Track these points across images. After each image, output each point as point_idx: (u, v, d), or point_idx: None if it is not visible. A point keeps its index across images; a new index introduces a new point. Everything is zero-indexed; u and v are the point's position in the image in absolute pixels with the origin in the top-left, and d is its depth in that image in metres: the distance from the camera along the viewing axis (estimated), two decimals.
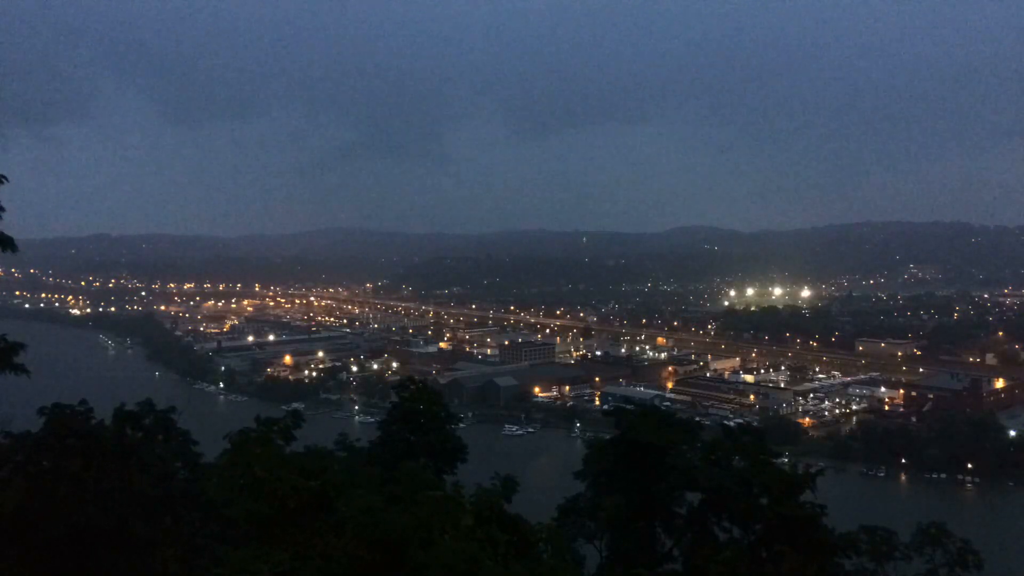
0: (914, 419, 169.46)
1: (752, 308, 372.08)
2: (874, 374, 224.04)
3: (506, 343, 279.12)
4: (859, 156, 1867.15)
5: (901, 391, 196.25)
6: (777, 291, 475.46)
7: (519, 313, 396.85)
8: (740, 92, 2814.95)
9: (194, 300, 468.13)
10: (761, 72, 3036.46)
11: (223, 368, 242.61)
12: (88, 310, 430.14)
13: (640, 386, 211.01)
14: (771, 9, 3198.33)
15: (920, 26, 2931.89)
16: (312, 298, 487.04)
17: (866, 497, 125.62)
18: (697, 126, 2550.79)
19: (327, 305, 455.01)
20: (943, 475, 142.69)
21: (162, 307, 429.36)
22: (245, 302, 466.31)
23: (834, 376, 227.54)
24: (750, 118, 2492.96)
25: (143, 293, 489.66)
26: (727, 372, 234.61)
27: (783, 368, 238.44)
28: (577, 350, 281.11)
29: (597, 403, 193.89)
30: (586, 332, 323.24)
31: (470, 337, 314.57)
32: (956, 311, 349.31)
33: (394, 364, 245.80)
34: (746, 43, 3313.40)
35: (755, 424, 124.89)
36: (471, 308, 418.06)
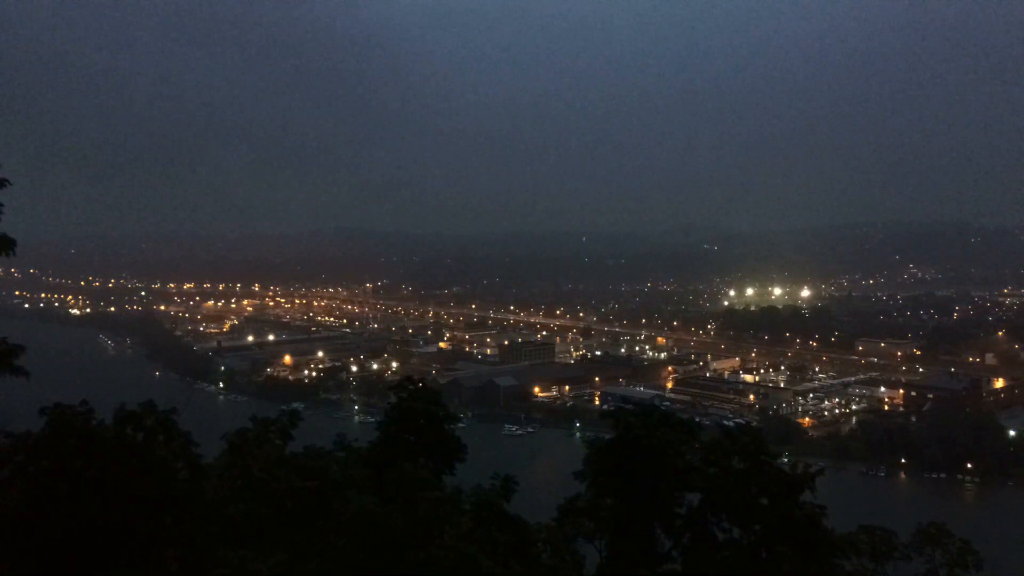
0: (914, 419, 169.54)
1: (752, 308, 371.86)
2: (874, 374, 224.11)
3: (506, 343, 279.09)
4: (859, 156, 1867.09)
5: (901, 391, 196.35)
6: (777, 291, 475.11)
7: (519, 313, 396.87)
8: (748, 94, 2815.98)
9: (194, 300, 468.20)
10: (762, 73, 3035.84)
11: (223, 368, 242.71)
12: (88, 310, 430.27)
13: (640, 386, 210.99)
14: (766, 8, 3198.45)
15: (919, 25, 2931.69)
16: (312, 298, 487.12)
17: (866, 497, 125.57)
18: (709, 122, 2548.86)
19: (327, 305, 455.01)
20: (943, 475, 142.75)
21: (162, 307, 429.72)
22: (245, 302, 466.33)
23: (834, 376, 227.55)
24: (746, 117, 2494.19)
25: (143, 293, 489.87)
26: (727, 372, 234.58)
27: (783, 368, 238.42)
28: (577, 350, 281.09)
29: (597, 403, 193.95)
30: (586, 332, 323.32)
31: (470, 337, 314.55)
32: (956, 311, 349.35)
33: (394, 364, 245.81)
34: (742, 42, 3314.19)
35: (755, 424, 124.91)
36: (471, 308, 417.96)
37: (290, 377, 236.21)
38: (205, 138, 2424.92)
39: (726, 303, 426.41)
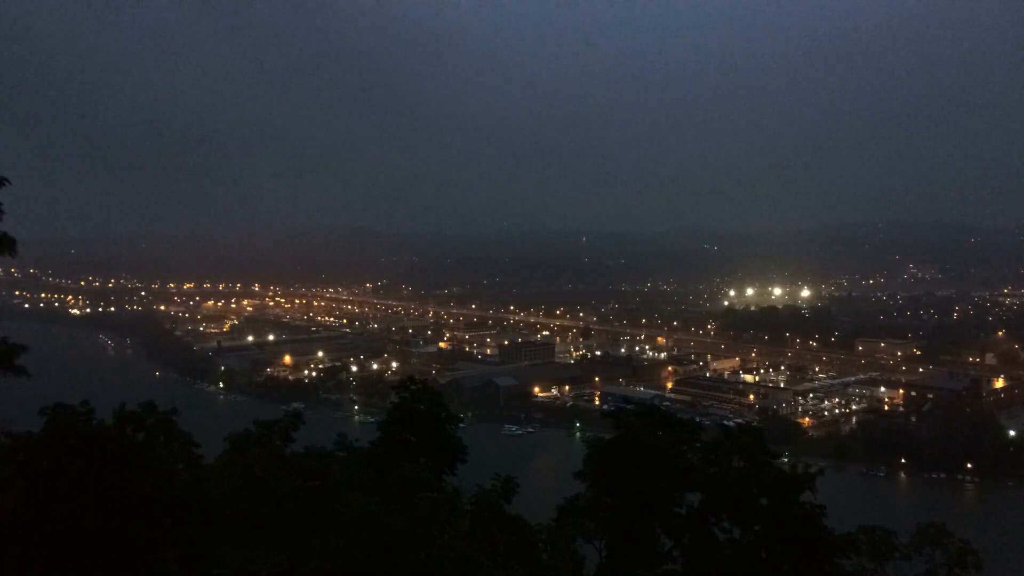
0: (914, 419, 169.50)
1: (752, 308, 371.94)
2: (874, 374, 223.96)
3: (506, 343, 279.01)
4: (859, 156, 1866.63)
5: (901, 391, 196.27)
6: (777, 291, 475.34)
7: (519, 313, 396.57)
8: (748, 94, 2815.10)
9: (194, 300, 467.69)
10: (761, 73, 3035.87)
11: (223, 368, 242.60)
12: (88, 310, 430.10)
13: (640, 386, 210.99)
14: (764, 8, 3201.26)
15: (919, 25, 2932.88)
16: (312, 298, 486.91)
17: (866, 497, 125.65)
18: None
19: (327, 305, 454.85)
20: (943, 475, 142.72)
21: (162, 307, 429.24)
22: (245, 302, 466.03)
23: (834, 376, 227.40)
24: (746, 117, 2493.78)
25: (143, 293, 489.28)
26: (727, 372, 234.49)
27: (783, 368, 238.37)
28: (577, 350, 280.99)
29: (597, 403, 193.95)
30: (586, 332, 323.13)
31: (470, 337, 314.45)
32: (956, 311, 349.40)
33: (394, 364, 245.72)
34: (742, 42, 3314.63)
35: (755, 424, 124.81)
36: (471, 308, 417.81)
37: (290, 377, 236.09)
38: (206, 138, 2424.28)
39: (726, 303, 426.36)
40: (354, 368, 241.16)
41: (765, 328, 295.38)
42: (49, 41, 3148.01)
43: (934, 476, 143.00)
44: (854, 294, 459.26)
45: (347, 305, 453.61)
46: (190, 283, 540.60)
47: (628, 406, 33.39)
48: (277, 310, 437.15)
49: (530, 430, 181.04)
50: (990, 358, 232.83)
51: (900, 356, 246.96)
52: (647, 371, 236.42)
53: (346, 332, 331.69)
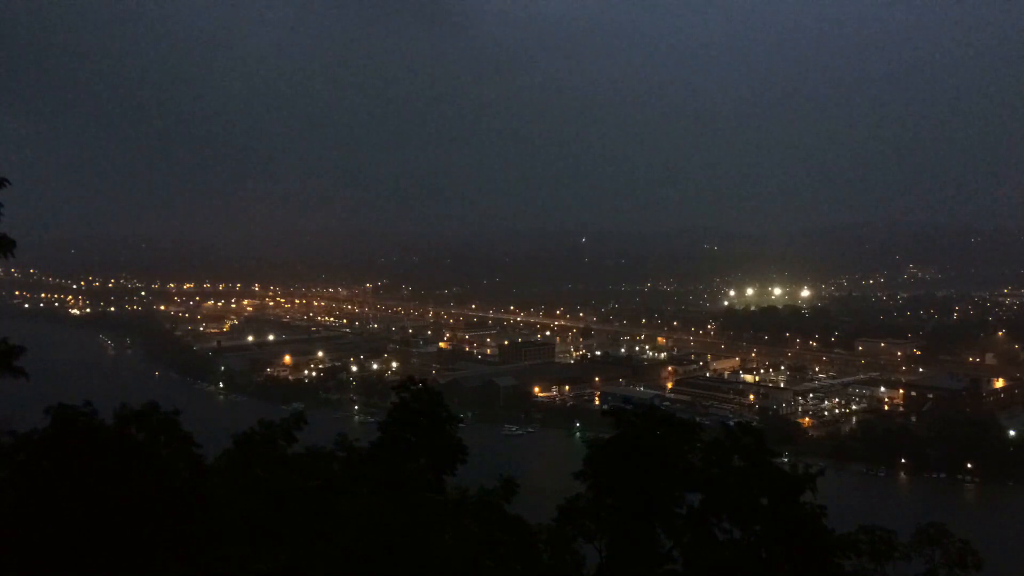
0: (914, 419, 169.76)
1: (752, 308, 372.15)
2: (874, 374, 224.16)
3: (506, 343, 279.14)
4: (859, 156, 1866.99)
5: (901, 391, 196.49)
6: (777, 291, 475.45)
7: (519, 313, 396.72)
8: (746, 93, 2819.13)
9: (194, 300, 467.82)
10: (760, 72, 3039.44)
11: (223, 368, 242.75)
12: (88, 310, 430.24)
13: (640, 386, 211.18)
14: (761, 8, 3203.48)
15: (918, 24, 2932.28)
16: (312, 298, 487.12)
17: (866, 497, 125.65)
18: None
19: (327, 305, 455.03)
20: (943, 475, 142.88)
21: (162, 307, 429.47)
22: (245, 302, 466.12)
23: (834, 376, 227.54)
24: (745, 117, 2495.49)
25: (143, 293, 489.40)
26: (727, 372, 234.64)
27: (783, 368, 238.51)
28: (577, 350, 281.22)
29: (597, 403, 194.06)
30: (586, 332, 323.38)
31: (470, 337, 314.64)
32: (956, 311, 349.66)
33: (394, 364, 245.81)
34: (740, 41, 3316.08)
35: (755, 424, 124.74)
36: (471, 308, 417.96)
37: (290, 377, 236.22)
38: (206, 137, 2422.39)
39: (726, 303, 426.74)
40: (354, 368, 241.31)
41: (765, 328, 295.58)
42: (56, 32, 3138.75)
43: (934, 476, 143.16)
44: (854, 294, 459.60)
45: (347, 305, 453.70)
46: (190, 283, 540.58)
47: (628, 406, 33.28)
48: (277, 310, 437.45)
49: (530, 430, 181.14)
50: (990, 358, 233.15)
51: (900, 356, 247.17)
52: (647, 371, 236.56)
53: (346, 332, 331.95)
